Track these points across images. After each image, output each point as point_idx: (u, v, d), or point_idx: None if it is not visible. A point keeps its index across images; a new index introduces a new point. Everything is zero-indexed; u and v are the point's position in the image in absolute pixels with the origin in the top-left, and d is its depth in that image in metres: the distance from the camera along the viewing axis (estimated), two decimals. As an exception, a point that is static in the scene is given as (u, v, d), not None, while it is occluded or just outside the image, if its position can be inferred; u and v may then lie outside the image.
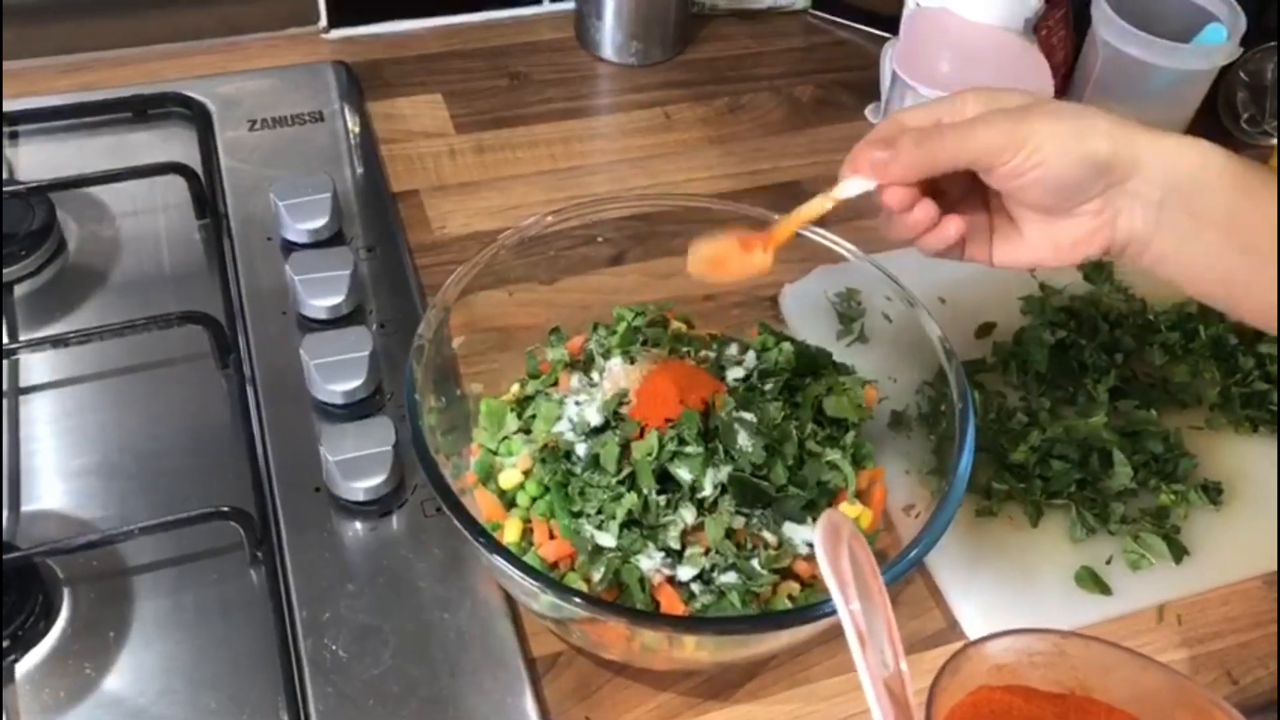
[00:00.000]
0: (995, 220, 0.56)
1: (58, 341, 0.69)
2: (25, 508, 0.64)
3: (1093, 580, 0.65)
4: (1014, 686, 0.42)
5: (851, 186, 0.53)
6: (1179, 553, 0.66)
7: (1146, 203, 0.51)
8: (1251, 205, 0.50)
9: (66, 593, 0.60)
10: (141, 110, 0.87)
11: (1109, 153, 0.50)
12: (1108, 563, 0.66)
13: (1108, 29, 0.84)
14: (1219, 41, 0.84)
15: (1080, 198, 0.51)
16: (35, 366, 0.70)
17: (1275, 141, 0.95)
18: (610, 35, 0.97)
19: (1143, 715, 0.42)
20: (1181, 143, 0.51)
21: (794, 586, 0.58)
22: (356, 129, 0.88)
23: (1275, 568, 0.67)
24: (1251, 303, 0.52)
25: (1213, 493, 0.69)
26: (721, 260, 0.57)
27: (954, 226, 0.54)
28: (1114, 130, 0.50)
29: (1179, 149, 0.50)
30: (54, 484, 0.65)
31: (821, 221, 0.58)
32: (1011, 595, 0.64)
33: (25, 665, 0.58)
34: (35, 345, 0.69)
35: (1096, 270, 0.82)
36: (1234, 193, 0.50)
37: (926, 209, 0.53)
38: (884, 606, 0.43)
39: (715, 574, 0.57)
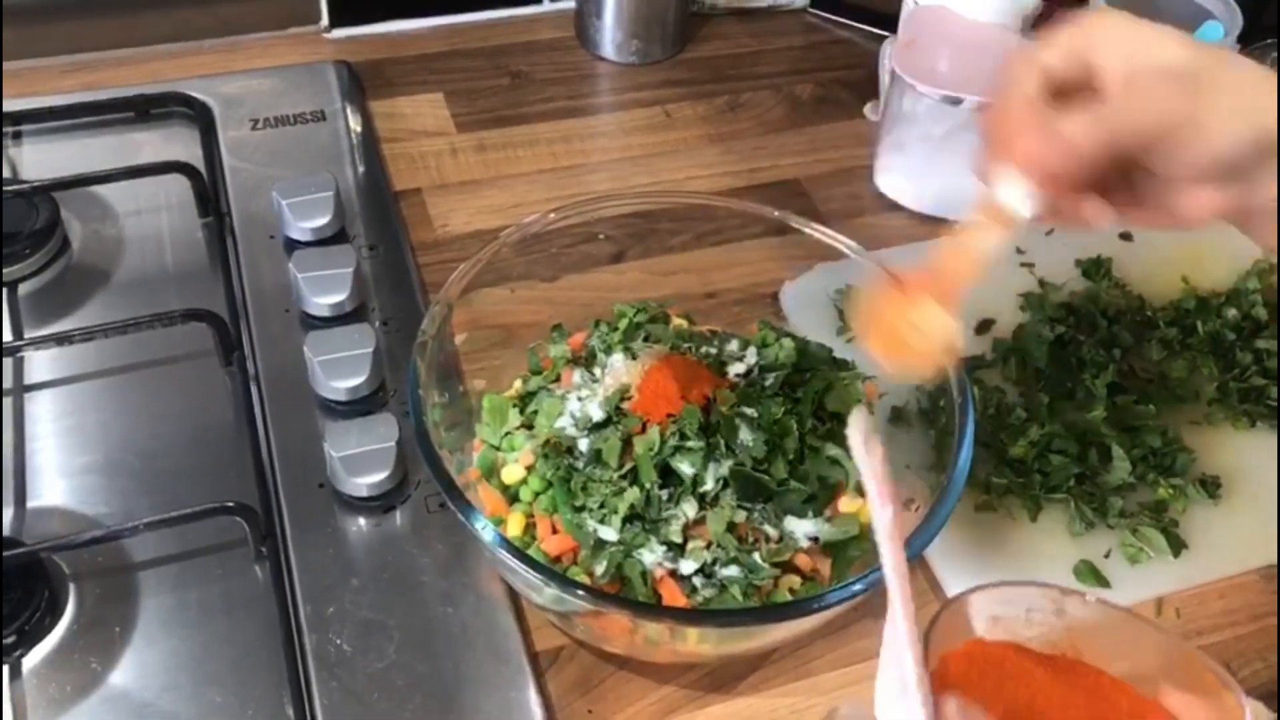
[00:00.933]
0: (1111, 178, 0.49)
1: (61, 339, 0.70)
2: (30, 504, 0.64)
3: (1091, 574, 0.65)
4: (1008, 642, 0.42)
5: (1016, 195, 0.45)
6: (1177, 546, 0.67)
7: None
8: None
9: (72, 588, 0.61)
10: (144, 110, 0.87)
11: (1271, 130, 0.44)
12: (1106, 556, 0.66)
13: (1105, 27, 0.84)
14: (1216, 39, 0.84)
15: (1234, 178, 0.46)
16: (39, 365, 0.71)
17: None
18: (610, 34, 0.98)
19: (1133, 680, 0.42)
20: None
21: (795, 580, 0.58)
22: (358, 128, 0.89)
23: (1273, 561, 0.67)
24: None
25: (1210, 487, 0.70)
26: (896, 335, 0.47)
27: (1100, 212, 0.48)
28: (1255, 69, 0.45)
29: None
30: (58, 481, 0.65)
31: (819, 217, 0.56)
32: (1011, 589, 0.64)
33: (31, 660, 0.58)
34: (39, 343, 0.70)
35: (1095, 267, 0.82)
36: None
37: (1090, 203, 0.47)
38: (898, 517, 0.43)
39: (717, 568, 0.57)
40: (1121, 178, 0.48)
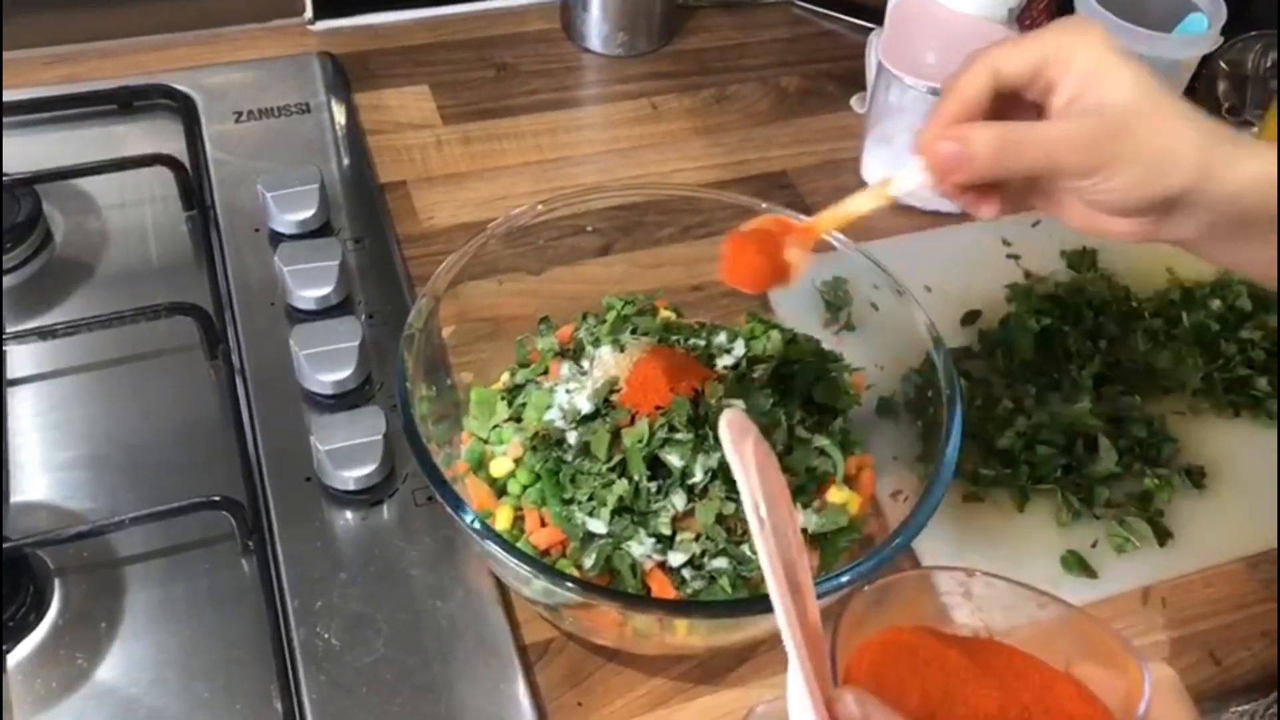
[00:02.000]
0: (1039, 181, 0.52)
1: (45, 333, 0.69)
2: (14, 499, 0.64)
3: (1078, 564, 0.66)
4: (921, 627, 0.43)
5: (906, 181, 0.50)
6: (1163, 536, 0.67)
7: (1199, 220, 0.49)
8: None
9: (57, 584, 0.60)
10: (127, 102, 0.86)
11: (1182, 187, 0.47)
12: (1093, 546, 0.67)
13: (1092, 18, 0.84)
14: (1200, 31, 0.85)
15: (1140, 217, 0.49)
16: (22, 359, 0.70)
17: (1255, 131, 0.96)
18: (596, 26, 0.98)
19: (1045, 654, 0.42)
20: (1262, 170, 0.47)
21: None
22: (343, 120, 0.88)
23: (1257, 550, 0.68)
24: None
25: (1196, 477, 0.70)
26: (753, 261, 0.52)
27: (988, 209, 0.51)
28: (1200, 154, 0.47)
29: (1256, 178, 0.47)
30: (42, 476, 0.65)
31: (805, 209, 0.58)
32: (998, 579, 0.65)
33: (16, 656, 0.58)
34: (22, 337, 0.69)
35: (1081, 259, 0.83)
36: None
37: (982, 197, 0.50)
38: (790, 516, 0.43)
39: (706, 559, 0.57)
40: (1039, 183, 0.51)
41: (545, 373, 0.66)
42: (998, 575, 0.44)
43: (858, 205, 0.52)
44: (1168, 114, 0.47)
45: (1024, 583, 0.43)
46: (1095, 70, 0.47)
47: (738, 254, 0.52)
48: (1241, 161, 0.47)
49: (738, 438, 0.42)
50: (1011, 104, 0.49)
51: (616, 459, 0.59)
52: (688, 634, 0.57)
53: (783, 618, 0.38)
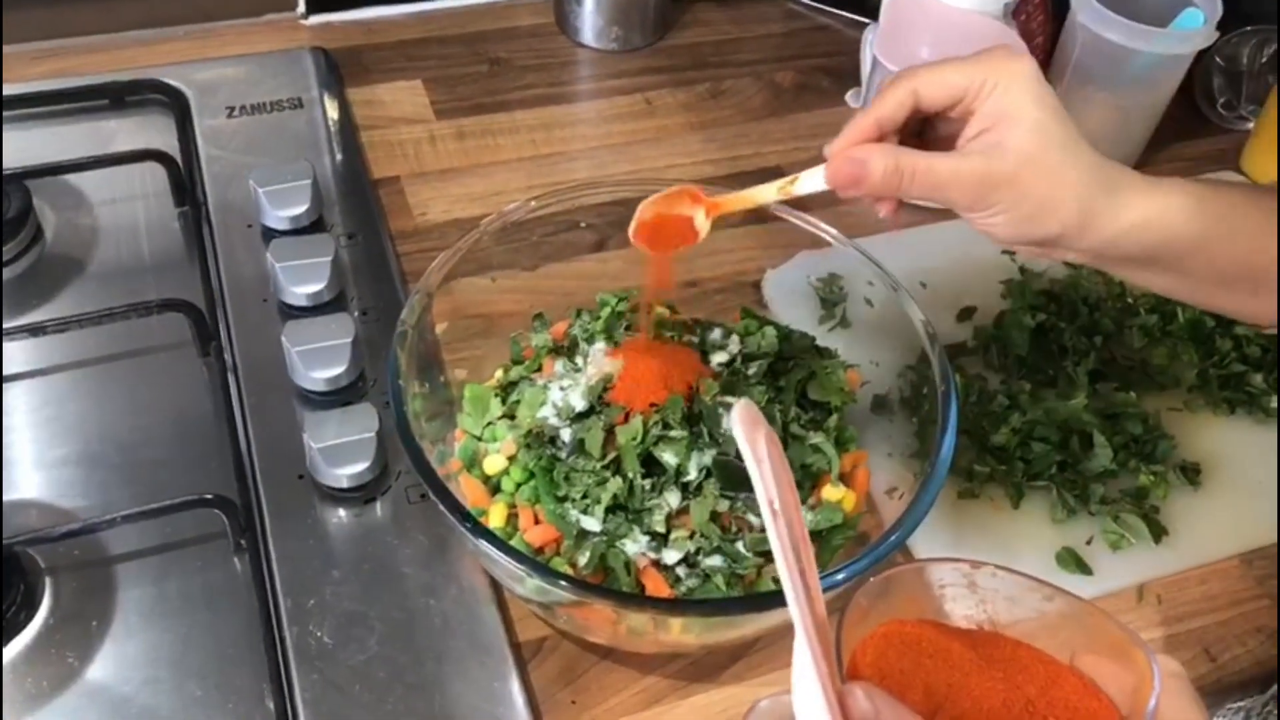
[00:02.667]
0: None
1: (36, 330, 0.69)
2: (5, 497, 0.63)
3: (1073, 560, 0.66)
4: (925, 620, 0.43)
5: (808, 184, 0.54)
6: (1158, 533, 0.67)
7: (1083, 255, 0.53)
8: (1204, 257, 0.52)
9: (48, 582, 0.60)
10: (118, 97, 0.86)
11: (1059, 234, 0.51)
12: (1088, 543, 0.67)
13: (1086, 13, 0.84)
14: (1196, 26, 0.84)
15: (1025, 246, 0.53)
16: (13, 355, 0.70)
17: (1250, 126, 0.96)
18: (590, 21, 0.97)
19: (1050, 647, 0.42)
20: (1140, 218, 0.51)
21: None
22: (336, 115, 0.88)
23: (1252, 547, 0.68)
24: (1204, 306, 0.57)
25: (1191, 473, 0.70)
26: (662, 225, 0.56)
27: (884, 208, 0.55)
28: (1078, 206, 0.50)
29: (1133, 226, 0.51)
30: (33, 474, 0.65)
31: (801, 204, 0.58)
32: (993, 576, 0.65)
33: (8, 655, 0.57)
34: (12, 334, 0.69)
35: (1076, 254, 0.82)
36: (1192, 250, 0.52)
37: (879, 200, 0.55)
38: (795, 511, 0.43)
39: (700, 557, 0.57)
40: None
41: (539, 370, 0.65)
42: (1002, 567, 0.44)
43: (762, 194, 0.55)
44: (1059, 163, 0.50)
45: (1028, 574, 0.43)
46: (1004, 110, 0.50)
47: (654, 218, 0.56)
48: (1121, 212, 0.51)
49: (749, 429, 0.41)
50: (940, 116, 0.53)
51: (611, 456, 0.58)
52: (682, 632, 0.56)
53: (795, 608, 0.38)
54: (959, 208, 0.52)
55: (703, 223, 0.57)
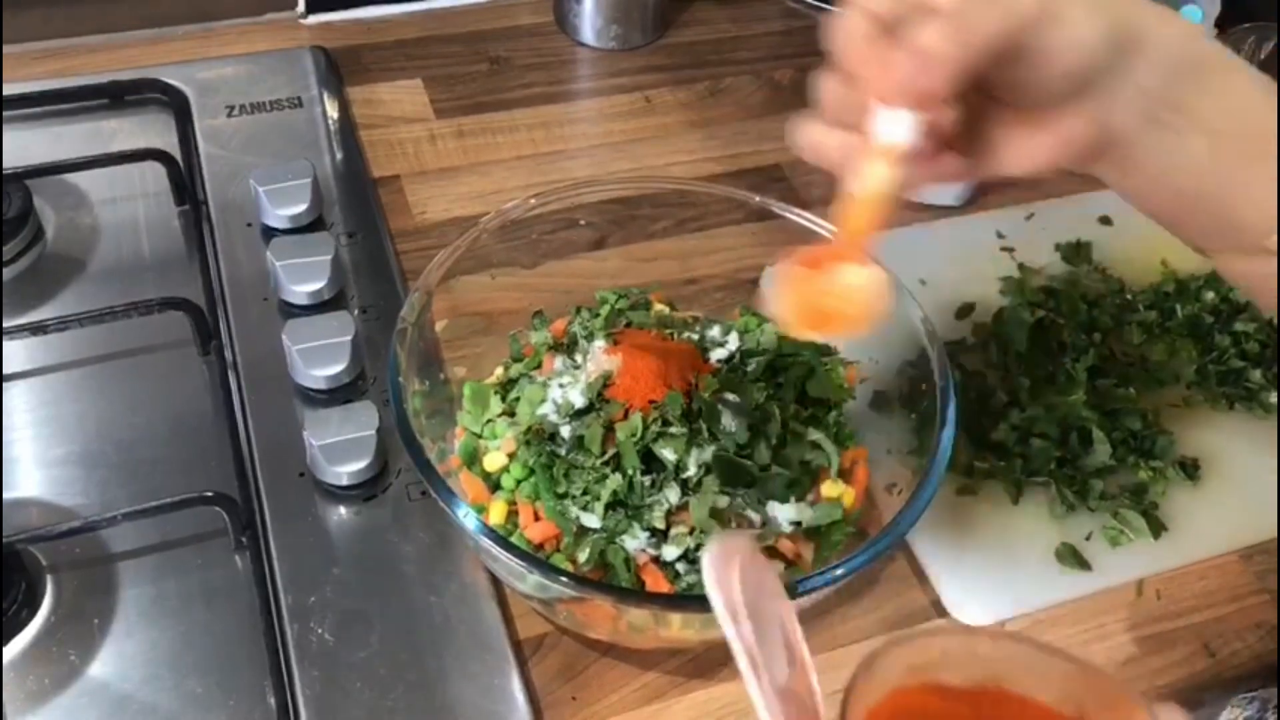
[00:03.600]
0: (958, 129, 0.48)
1: (37, 329, 0.69)
2: (6, 496, 0.63)
3: (1073, 556, 0.66)
4: (929, 685, 0.42)
5: (899, 126, 0.42)
6: (1157, 528, 0.67)
7: (1145, 93, 0.45)
8: (1246, 108, 0.46)
9: (50, 580, 0.60)
10: (118, 96, 0.86)
11: (1126, 22, 0.44)
12: (1087, 539, 0.67)
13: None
14: (1195, 23, 0.85)
15: (1096, 82, 0.44)
16: (14, 354, 0.70)
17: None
18: (590, 20, 0.97)
19: (1056, 704, 0.42)
20: (1189, 28, 0.46)
21: (778, 565, 0.59)
22: (336, 115, 0.88)
23: (1251, 542, 0.68)
24: (1203, 217, 0.49)
25: (1190, 469, 0.70)
26: (821, 310, 0.45)
27: (960, 169, 0.47)
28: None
29: (1187, 33, 0.45)
30: (34, 472, 0.65)
31: (801, 202, 0.56)
32: (992, 572, 0.65)
33: (9, 653, 0.58)
34: (14, 333, 0.69)
35: (1074, 251, 0.83)
36: (1230, 92, 0.46)
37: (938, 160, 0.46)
38: (787, 620, 0.42)
39: (700, 553, 0.57)
40: (970, 131, 0.47)
41: (539, 367, 0.65)
42: (1003, 631, 0.43)
43: (874, 179, 0.43)
44: None
45: (1031, 639, 0.43)
46: None
47: (812, 309, 0.45)
48: (1171, 18, 0.45)
49: (721, 572, 0.39)
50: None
51: (610, 453, 0.59)
52: (682, 628, 0.57)
53: None
54: (1032, 29, 0.42)
55: (867, 275, 0.45)
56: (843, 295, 0.45)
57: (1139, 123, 0.46)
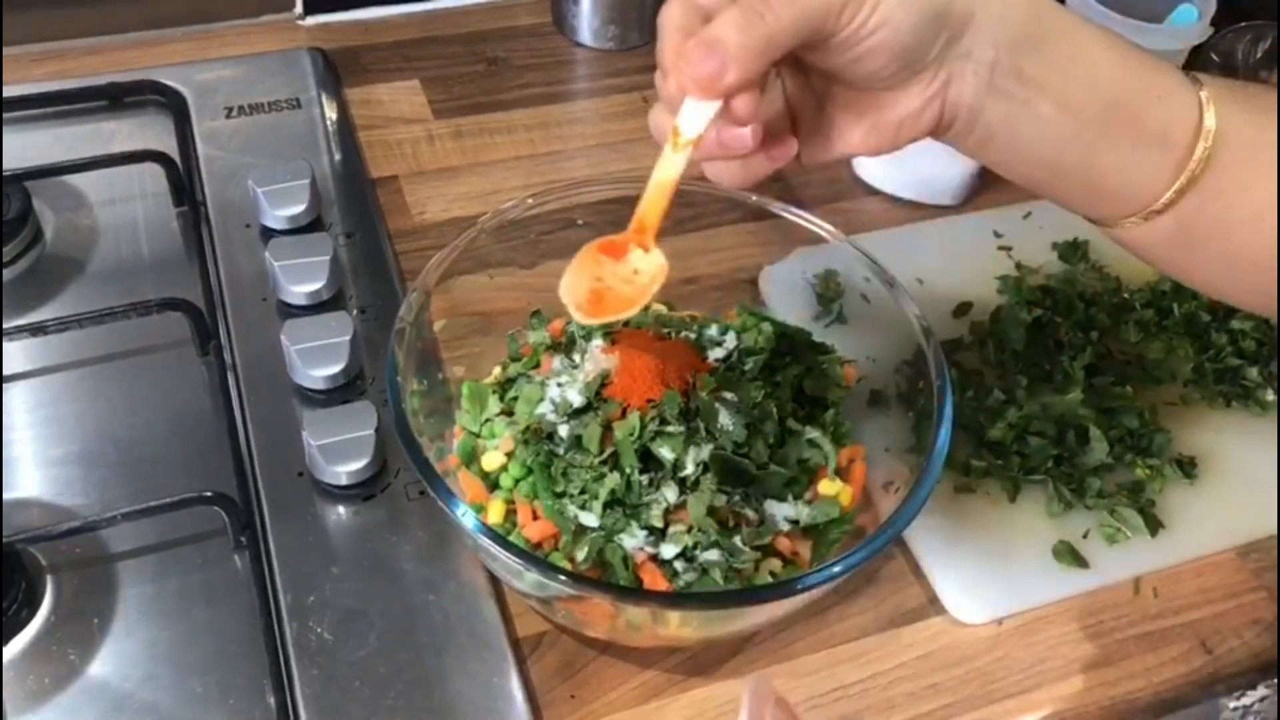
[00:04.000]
0: (799, 112, 0.49)
1: (36, 330, 0.69)
2: (6, 496, 0.63)
3: (1070, 554, 0.66)
4: None
5: (694, 117, 0.43)
6: (1154, 526, 0.67)
7: (979, 64, 0.45)
8: (1096, 77, 0.46)
9: (49, 580, 0.60)
10: (117, 98, 0.86)
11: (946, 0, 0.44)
12: (1085, 537, 0.67)
13: (1081, 9, 0.84)
14: (1191, 22, 0.85)
15: (921, 61, 0.45)
16: (13, 355, 0.70)
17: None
18: (587, 20, 0.97)
19: None
20: None
21: (776, 563, 0.59)
22: (334, 115, 0.88)
23: (1248, 540, 0.68)
24: (1072, 186, 0.49)
25: (1187, 467, 0.70)
26: (600, 291, 0.47)
27: (783, 150, 0.48)
28: None
29: (1025, 3, 0.45)
30: (34, 473, 0.65)
31: (799, 202, 0.57)
32: (990, 570, 0.65)
33: (9, 653, 0.58)
34: (12, 334, 0.69)
35: (1072, 250, 0.83)
36: (1079, 60, 0.45)
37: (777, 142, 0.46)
38: None
39: (698, 551, 0.57)
40: (817, 114, 0.48)
41: (537, 366, 0.66)
42: None
43: (668, 170, 0.46)
44: None
45: None
46: None
47: (591, 293, 0.47)
48: None
49: (755, 708, 0.41)
50: None
51: (608, 452, 0.59)
52: (680, 626, 0.57)
53: None
54: (836, 16, 0.42)
55: (651, 260, 0.47)
56: (624, 278, 0.47)
57: (982, 95, 0.46)
